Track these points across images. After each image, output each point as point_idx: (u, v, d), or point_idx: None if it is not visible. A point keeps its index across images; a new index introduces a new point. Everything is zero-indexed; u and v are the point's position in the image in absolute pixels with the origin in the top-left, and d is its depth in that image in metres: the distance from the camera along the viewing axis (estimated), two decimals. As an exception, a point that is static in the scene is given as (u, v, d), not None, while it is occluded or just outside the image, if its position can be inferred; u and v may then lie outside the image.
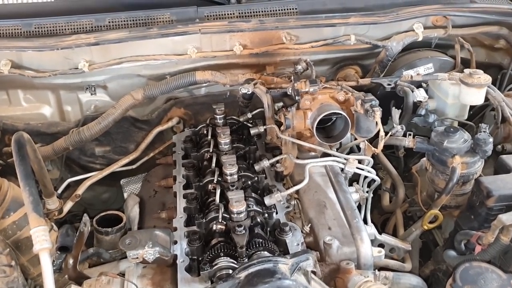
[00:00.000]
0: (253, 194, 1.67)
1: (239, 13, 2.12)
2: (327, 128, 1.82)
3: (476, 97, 1.84)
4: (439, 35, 2.14)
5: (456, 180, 1.64)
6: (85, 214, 1.53)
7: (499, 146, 1.95)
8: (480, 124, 1.73)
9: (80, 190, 2.03)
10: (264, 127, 1.88)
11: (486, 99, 1.91)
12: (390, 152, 2.12)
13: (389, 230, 1.91)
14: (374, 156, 1.80)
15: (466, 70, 1.86)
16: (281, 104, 1.99)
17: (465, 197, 1.72)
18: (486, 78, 1.82)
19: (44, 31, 2.03)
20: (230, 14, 2.12)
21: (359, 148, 1.89)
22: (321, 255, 1.49)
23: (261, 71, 2.18)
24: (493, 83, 2.01)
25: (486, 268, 1.19)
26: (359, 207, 1.72)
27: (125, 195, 2.17)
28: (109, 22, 2.09)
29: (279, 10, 2.14)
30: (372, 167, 1.79)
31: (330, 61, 2.25)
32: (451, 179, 1.64)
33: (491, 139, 1.68)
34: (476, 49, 2.23)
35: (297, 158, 1.76)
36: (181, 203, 1.68)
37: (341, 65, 2.28)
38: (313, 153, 1.86)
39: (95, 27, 2.08)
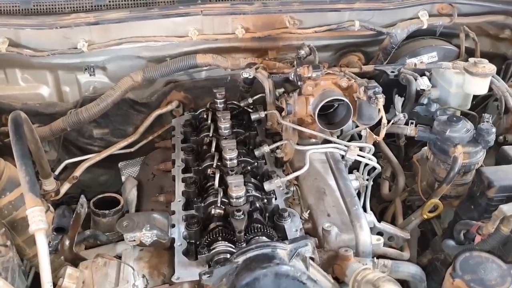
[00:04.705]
0: (253, 180, 1.66)
1: (244, -5, 2.08)
2: (328, 115, 1.80)
3: (480, 87, 1.82)
4: (444, 23, 2.11)
5: (457, 170, 1.63)
6: (82, 196, 1.52)
7: (501, 137, 1.94)
8: (483, 114, 1.71)
9: (78, 172, 2.02)
10: (265, 112, 1.86)
11: (490, 89, 1.89)
12: (391, 140, 2.10)
13: (387, 219, 1.89)
14: (375, 144, 1.78)
15: (471, 59, 1.83)
16: (282, 89, 1.97)
17: (466, 187, 1.71)
18: (491, 68, 1.79)
19: (43, 9, 1.99)
20: (233, -5, 2.08)
21: (360, 136, 1.87)
22: (320, 242, 1.48)
23: (263, 55, 2.15)
24: (497, 73, 1.99)
25: (487, 258, 1.18)
26: (358, 195, 1.71)
27: (123, 178, 2.16)
28: (110, 1, 2.05)
29: (283, -7, 2.10)
30: (373, 155, 1.78)
31: (333, 47, 2.22)
32: (453, 169, 1.62)
33: (494, 129, 1.66)
34: (481, 39, 2.20)
35: (298, 144, 1.74)
36: (179, 187, 1.67)
37: (344, 52, 2.25)
38: (313, 140, 1.84)
39: (95, 6, 2.03)
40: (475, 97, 2.02)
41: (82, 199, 1.49)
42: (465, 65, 1.82)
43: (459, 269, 1.15)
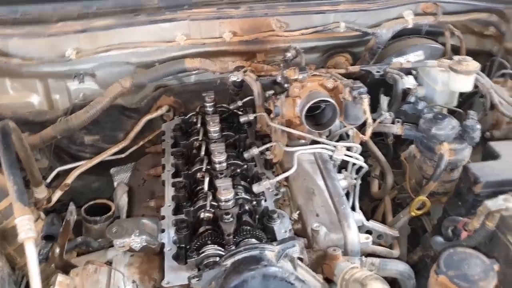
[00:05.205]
0: (242, 182, 1.67)
1: (230, 0, 2.10)
2: (316, 116, 1.82)
3: (465, 84, 1.83)
4: (429, 22, 2.13)
5: (443, 167, 1.65)
6: (71, 203, 1.53)
7: (488, 133, 1.96)
8: (468, 111, 1.73)
9: (69, 179, 2.02)
10: (254, 115, 1.87)
11: (476, 86, 1.91)
12: (380, 139, 2.12)
13: (378, 217, 1.91)
14: (363, 144, 1.80)
15: (455, 57, 1.85)
16: (272, 92, 1.99)
17: (453, 184, 1.72)
18: (475, 65, 1.81)
19: (31, 18, 2.00)
20: (220, 0, 2.10)
21: (348, 136, 1.89)
22: (309, 242, 1.50)
23: (251, 58, 2.16)
24: (483, 70, 2.01)
25: (470, 253, 1.20)
26: (347, 194, 1.73)
27: (115, 184, 2.17)
28: (97, 9, 2.06)
29: (269, -3, 2.12)
30: (362, 154, 1.80)
31: (320, 48, 2.23)
32: (439, 166, 1.64)
33: (479, 126, 1.68)
34: (466, 36, 2.22)
35: (287, 145, 1.76)
36: (169, 192, 1.68)
37: (332, 53, 2.26)
38: (302, 141, 1.85)
39: (82, 14, 2.05)
40: (461, 94, 2.04)
41: (71, 206, 1.50)
42: (450, 63, 1.84)
43: (443, 266, 1.17)
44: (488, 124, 1.95)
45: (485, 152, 1.72)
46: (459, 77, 1.82)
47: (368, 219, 1.65)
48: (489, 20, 2.18)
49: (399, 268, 1.39)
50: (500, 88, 1.95)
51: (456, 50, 2.18)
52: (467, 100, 2.12)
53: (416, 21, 2.11)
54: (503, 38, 2.16)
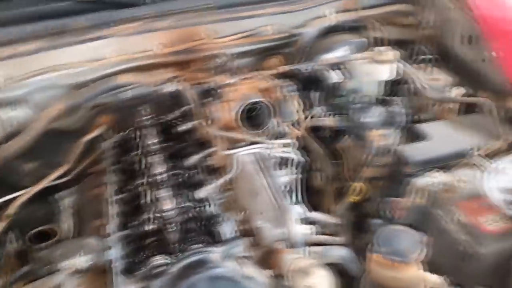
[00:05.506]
0: (185, 190, 1.69)
1: (155, 13, 2.12)
2: (253, 117, 1.87)
3: (388, 73, 1.94)
4: (351, 18, 2.24)
5: (374, 153, 1.74)
6: (9, 232, 1.49)
7: (416, 117, 2.07)
8: (392, 98, 1.83)
9: (12, 210, 1.96)
10: (191, 123, 1.90)
11: (399, 74, 2.03)
12: (319, 133, 2.19)
13: (323, 208, 1.98)
14: (301, 138, 1.87)
15: (376, 49, 1.95)
16: (211, 98, 2.02)
17: (387, 167, 1.82)
18: (395, 54, 1.92)
19: None
20: (146, 14, 2.11)
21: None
22: (256, 240, 1.54)
23: (185, 68, 2.19)
24: (407, 58, 2.13)
25: (401, 230, 1.28)
26: (291, 189, 1.79)
27: (60, 208, 2.13)
28: (23, 34, 2.03)
29: (195, 6, 2.15)
30: (302, 148, 1.86)
31: (253, 52, 2.28)
32: (370, 152, 1.73)
33: (403, 111, 1.79)
34: (388, 28, 2.33)
35: (227, 149, 1.79)
36: (113, 209, 1.68)
37: (265, 55, 2.33)
38: (244, 143, 1.90)
39: (7, 40, 2.01)
40: (388, 83, 2.14)
41: (10, 235, 1.47)
42: (371, 54, 1.94)
43: (377, 244, 1.24)
44: (414, 109, 2.07)
45: (412, 135, 1.82)
46: (381, 67, 1.92)
47: (311, 211, 1.71)
48: (407, 10, 2.32)
49: (341, 253, 1.46)
50: (422, 73, 2.07)
51: (380, 42, 2.29)
52: (394, 88, 2.23)
53: (338, 18, 2.21)
54: (420, 26, 2.29)
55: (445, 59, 2.20)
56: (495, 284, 1.34)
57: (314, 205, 1.86)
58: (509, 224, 1.39)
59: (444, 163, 1.67)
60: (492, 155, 1.64)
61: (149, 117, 1.95)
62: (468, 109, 2.00)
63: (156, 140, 1.82)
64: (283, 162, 1.85)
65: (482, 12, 2.03)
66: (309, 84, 2.11)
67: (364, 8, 2.24)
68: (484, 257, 1.37)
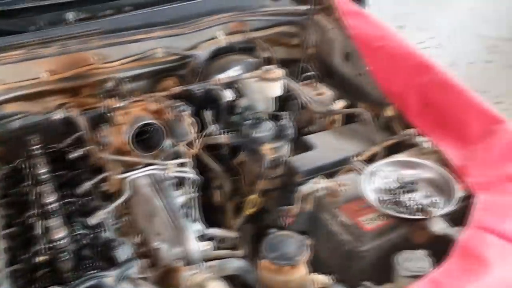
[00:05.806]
0: (79, 218, 1.65)
1: (40, 40, 2.07)
2: (146, 139, 1.87)
3: (275, 90, 2.06)
4: (240, 39, 2.35)
5: (267, 165, 1.83)
6: None
7: (306, 129, 2.21)
8: (281, 113, 1.95)
9: None
10: (83, 149, 1.86)
11: (288, 90, 2.16)
12: (217, 151, 2.25)
13: (225, 224, 2.03)
14: (197, 158, 1.91)
15: (263, 68, 2.07)
16: (103, 123, 2.00)
17: (280, 178, 1.92)
18: (280, 72, 2.05)
19: None
20: (31, 41, 2.06)
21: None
22: (153, 261, 1.54)
23: (77, 94, 2.15)
24: (294, 75, 2.28)
25: (286, 235, 1.36)
26: (189, 207, 1.81)
27: None
28: None
29: (82, 32, 2.13)
30: (201, 167, 1.90)
31: (146, 75, 2.31)
32: (262, 165, 1.82)
33: (291, 124, 1.90)
34: (276, 48, 2.49)
35: (120, 173, 1.78)
36: (1, 244, 1.59)
37: (158, 78, 2.35)
38: (139, 166, 1.89)
39: None
40: (278, 99, 2.27)
41: None
42: (259, 73, 2.05)
43: (265, 251, 1.31)
44: (303, 122, 2.20)
45: (300, 146, 1.94)
46: (269, 84, 2.04)
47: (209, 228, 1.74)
48: (291, 32, 2.48)
49: (237, 265, 1.50)
50: (308, 89, 2.22)
51: (270, 61, 2.43)
52: (284, 103, 2.36)
53: (228, 40, 2.31)
54: (304, 46, 2.46)
55: (328, 75, 2.39)
56: (378, 279, 1.46)
57: (216, 222, 1.92)
58: (385, 221, 1.53)
59: (331, 170, 1.81)
60: (370, 160, 1.80)
61: (39, 146, 1.88)
62: (350, 119, 2.18)
63: (46, 169, 1.76)
64: (180, 182, 1.88)
65: (356, 31, 2.24)
66: (204, 103, 2.17)
67: (252, 30, 2.36)
68: (366, 254, 1.50)
